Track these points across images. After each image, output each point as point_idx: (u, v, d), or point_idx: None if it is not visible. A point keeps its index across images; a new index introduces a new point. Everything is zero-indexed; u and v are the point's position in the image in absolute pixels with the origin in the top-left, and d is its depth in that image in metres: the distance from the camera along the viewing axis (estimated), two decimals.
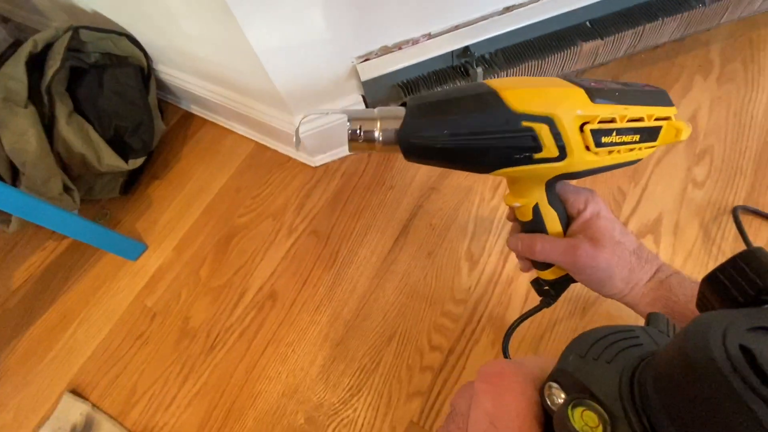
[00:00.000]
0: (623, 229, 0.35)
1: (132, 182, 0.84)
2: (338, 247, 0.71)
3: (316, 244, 0.72)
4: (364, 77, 0.62)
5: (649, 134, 0.33)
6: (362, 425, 0.57)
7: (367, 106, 0.69)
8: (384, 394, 0.58)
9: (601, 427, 0.13)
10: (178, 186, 0.84)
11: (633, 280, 0.34)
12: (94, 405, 0.65)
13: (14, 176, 0.73)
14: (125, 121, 0.78)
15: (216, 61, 0.68)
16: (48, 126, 0.72)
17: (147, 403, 0.64)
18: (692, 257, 0.60)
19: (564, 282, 0.41)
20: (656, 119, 0.33)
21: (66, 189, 0.73)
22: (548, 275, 0.41)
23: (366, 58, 0.62)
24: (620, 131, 0.32)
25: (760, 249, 0.18)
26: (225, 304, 0.70)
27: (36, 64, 0.73)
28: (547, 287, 0.42)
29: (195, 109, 0.92)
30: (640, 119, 0.32)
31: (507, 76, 0.66)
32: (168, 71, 0.84)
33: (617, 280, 0.34)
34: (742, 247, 0.60)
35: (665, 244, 0.61)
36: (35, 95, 0.71)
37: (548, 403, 0.16)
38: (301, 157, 0.80)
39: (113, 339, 0.71)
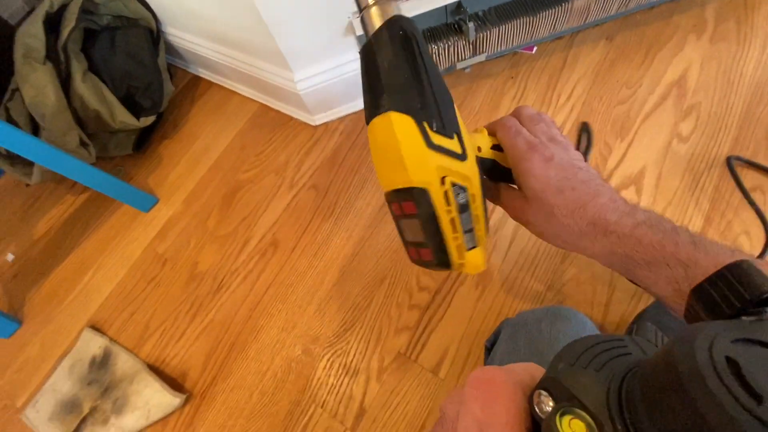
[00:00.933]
0: (568, 184, 0.31)
1: (143, 140, 0.89)
2: (336, 199, 0.75)
3: (315, 197, 0.76)
4: (359, 32, 0.65)
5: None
6: (354, 355, 0.62)
7: None
8: (375, 328, 0.63)
9: None
10: (186, 144, 0.89)
11: (571, 239, 0.31)
12: (111, 339, 0.71)
13: (35, 131, 0.78)
14: (136, 81, 0.82)
15: (220, 19, 0.71)
16: (65, 83, 0.76)
17: (159, 337, 0.70)
18: (672, 206, 0.63)
19: None
20: None
21: (82, 143, 0.78)
22: None
23: None
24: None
25: (746, 262, 0.19)
26: (230, 251, 0.74)
27: (52, 24, 0.77)
28: None
29: (202, 72, 0.96)
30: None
31: (499, 32, 0.68)
32: (176, 33, 0.87)
33: (549, 237, 0.33)
34: (722, 197, 0.63)
35: (646, 195, 0.64)
36: (52, 53, 0.75)
37: (537, 410, 0.16)
38: (302, 116, 0.84)
39: (128, 282, 0.76)
